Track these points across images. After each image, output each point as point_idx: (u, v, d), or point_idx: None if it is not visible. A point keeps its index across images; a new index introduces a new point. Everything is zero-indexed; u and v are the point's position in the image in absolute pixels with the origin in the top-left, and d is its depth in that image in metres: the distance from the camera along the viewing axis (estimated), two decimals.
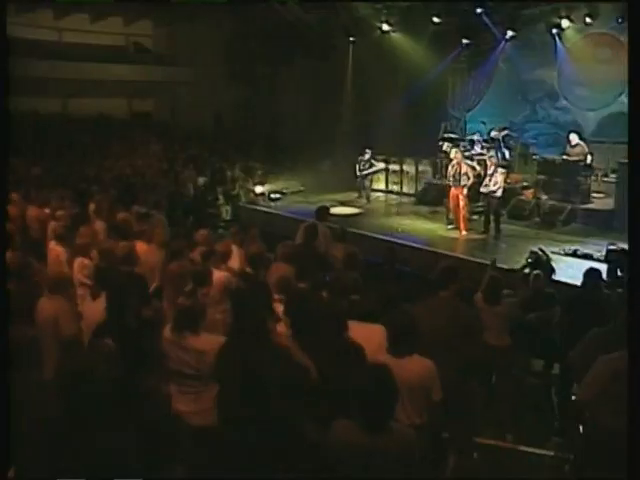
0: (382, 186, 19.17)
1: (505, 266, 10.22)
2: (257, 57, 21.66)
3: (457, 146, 17.17)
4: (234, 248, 8.90)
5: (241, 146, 21.95)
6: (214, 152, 21.38)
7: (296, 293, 5.44)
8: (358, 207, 16.75)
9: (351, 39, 19.51)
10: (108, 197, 13.97)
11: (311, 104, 19.99)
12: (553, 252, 11.61)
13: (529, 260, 9.79)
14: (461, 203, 13.58)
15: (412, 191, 18.47)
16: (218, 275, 6.57)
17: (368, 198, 17.27)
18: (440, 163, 17.66)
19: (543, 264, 9.59)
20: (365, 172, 17.14)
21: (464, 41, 18.94)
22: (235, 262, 8.70)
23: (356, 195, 17.60)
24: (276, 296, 5.50)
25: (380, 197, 18.46)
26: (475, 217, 14.44)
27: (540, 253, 9.78)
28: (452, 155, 16.85)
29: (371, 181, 17.55)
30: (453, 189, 13.73)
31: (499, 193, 13.22)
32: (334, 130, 19.52)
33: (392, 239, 12.87)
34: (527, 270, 9.29)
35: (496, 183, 13.21)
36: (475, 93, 19.79)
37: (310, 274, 6.68)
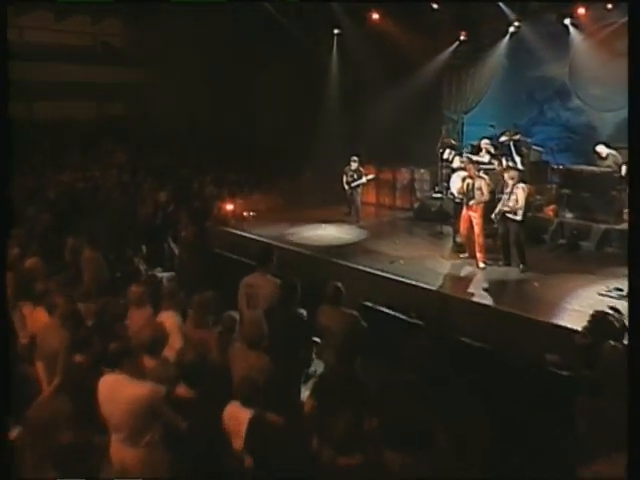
0: (373, 199, 15.85)
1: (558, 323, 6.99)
2: (235, 57, 18.11)
3: (461, 154, 13.87)
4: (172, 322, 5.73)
5: (216, 154, 18.47)
6: (185, 161, 17.88)
7: None
8: (347, 228, 13.33)
9: (336, 31, 16.02)
10: (40, 223, 10.56)
11: (292, 107, 16.43)
12: (600, 294, 8.48)
13: (595, 323, 6.47)
14: (476, 228, 10.24)
15: (407, 205, 15.16)
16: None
17: (358, 215, 13.80)
18: (441, 173, 14.32)
19: (616, 330, 6.27)
20: (354, 183, 13.68)
21: (462, 34, 15.55)
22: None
23: (346, 211, 14.07)
24: None
25: (371, 211, 15.11)
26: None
27: (612, 315, 6.43)
28: (456, 164, 13.66)
29: (361, 194, 13.99)
30: (465, 209, 10.38)
31: (520, 215, 9.85)
32: (318, 135, 16.04)
33: (393, 276, 9.51)
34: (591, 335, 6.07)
35: (517, 202, 9.80)
36: (474, 93, 16.44)
37: None
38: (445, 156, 14.10)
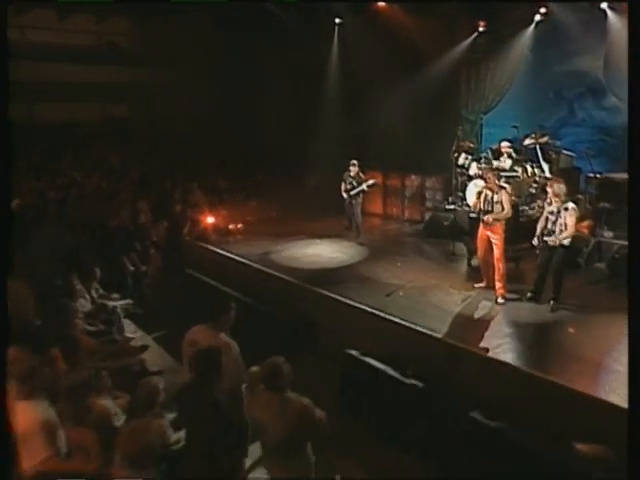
0: (379, 209, 13.57)
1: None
2: (234, 54, 15.96)
3: (479, 159, 11.55)
4: None
5: (212, 157, 16.37)
6: (180, 166, 15.77)
7: None
8: (345, 244, 11.08)
9: (337, 20, 13.70)
10: None
11: (287, 105, 14.14)
12: None
13: None
14: (495, 251, 7.94)
15: (417, 217, 12.86)
16: None
17: (358, 229, 11.53)
18: (455, 181, 11.99)
19: None
20: (353, 191, 11.41)
21: (481, 24, 13.17)
22: None
23: (346, 224, 11.79)
24: None
25: (376, 224, 12.85)
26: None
27: None
28: (473, 171, 11.37)
29: (362, 204, 11.70)
30: (482, 227, 8.07)
31: (568, 241, 7.47)
32: (316, 137, 13.76)
33: (388, 315, 7.25)
34: None
35: (565, 227, 7.38)
36: (494, 90, 14.00)
37: None
38: (460, 161, 11.80)
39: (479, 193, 8.11)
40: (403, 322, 6.99)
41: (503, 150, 11.50)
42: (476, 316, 7.40)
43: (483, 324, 7.12)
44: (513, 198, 8.11)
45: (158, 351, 8.17)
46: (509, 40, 13.18)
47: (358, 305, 7.63)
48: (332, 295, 8.04)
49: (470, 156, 11.70)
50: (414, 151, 13.04)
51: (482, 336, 6.69)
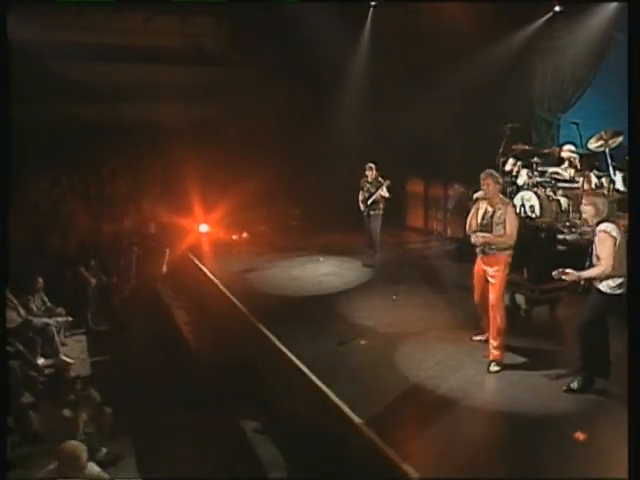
0: (420, 223, 10.97)
1: None
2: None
3: (530, 166, 8.64)
4: None
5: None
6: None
7: None
8: (349, 265, 8.72)
9: (372, 2, 11.15)
10: None
11: (302, 99, 11.80)
12: None
13: None
14: (491, 294, 5.24)
15: (460, 234, 10.05)
16: None
17: (375, 247, 9.06)
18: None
19: None
20: (370, 200, 8.97)
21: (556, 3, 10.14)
22: None
23: (367, 239, 9.35)
24: None
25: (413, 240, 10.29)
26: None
27: None
28: (522, 179, 8.60)
29: (382, 215, 9.18)
30: (479, 258, 5.39)
31: (606, 286, 4.60)
32: (337, 137, 11.34)
33: (322, 385, 4.85)
34: None
35: (596, 261, 4.63)
36: (575, 84, 10.74)
37: None
38: (507, 168, 8.92)
39: (477, 208, 5.42)
40: (324, 388, 4.57)
41: (564, 155, 8.52)
42: (443, 391, 4.73)
43: (450, 408, 4.44)
44: (515, 219, 5.25)
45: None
46: (592, 21, 10.01)
47: (287, 353, 5.29)
48: (270, 335, 5.76)
49: (520, 161, 8.80)
50: (461, 154, 10.30)
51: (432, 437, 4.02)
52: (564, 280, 4.76)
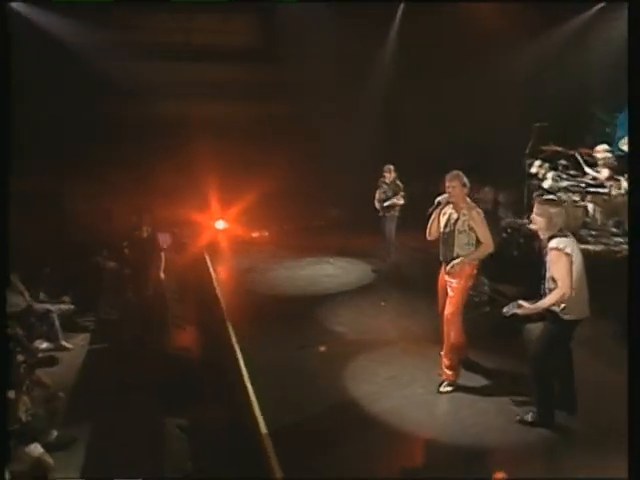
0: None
1: None
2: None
3: (556, 167, 7.97)
4: None
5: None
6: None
7: None
8: (354, 269, 8.46)
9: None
10: None
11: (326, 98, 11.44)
12: None
13: None
14: (448, 307, 4.80)
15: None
16: None
17: (389, 250, 8.70)
18: (527, 196, 8.45)
19: None
20: (387, 203, 8.63)
21: None
22: None
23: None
24: None
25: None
26: None
27: None
28: (548, 183, 7.99)
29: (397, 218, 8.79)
30: (442, 267, 4.96)
31: (568, 313, 4.01)
32: (359, 135, 10.95)
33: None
34: None
35: (551, 284, 4.02)
36: None
37: None
38: (533, 170, 8.25)
39: (440, 213, 4.97)
40: (251, 392, 4.39)
41: (599, 155, 7.74)
42: (377, 409, 4.35)
43: (371, 428, 4.08)
44: (477, 228, 4.69)
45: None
46: None
47: (238, 353, 5.14)
48: (232, 334, 5.65)
49: (547, 163, 8.09)
50: (493, 154, 9.64)
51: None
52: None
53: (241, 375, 4.77)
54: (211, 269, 8.31)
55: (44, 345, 7.27)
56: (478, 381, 4.77)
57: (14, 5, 10.47)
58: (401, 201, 8.63)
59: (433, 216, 4.92)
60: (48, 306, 7.53)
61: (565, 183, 7.73)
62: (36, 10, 10.61)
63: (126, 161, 11.33)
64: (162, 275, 8.31)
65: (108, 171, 11.07)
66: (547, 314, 4.06)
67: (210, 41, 13.38)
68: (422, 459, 3.80)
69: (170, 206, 9.94)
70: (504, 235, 8.16)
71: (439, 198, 4.90)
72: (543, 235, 4.10)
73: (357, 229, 10.14)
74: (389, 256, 8.77)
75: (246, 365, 4.97)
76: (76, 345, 7.54)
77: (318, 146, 11.86)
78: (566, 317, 3.97)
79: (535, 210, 4.17)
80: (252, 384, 4.59)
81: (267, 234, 10.13)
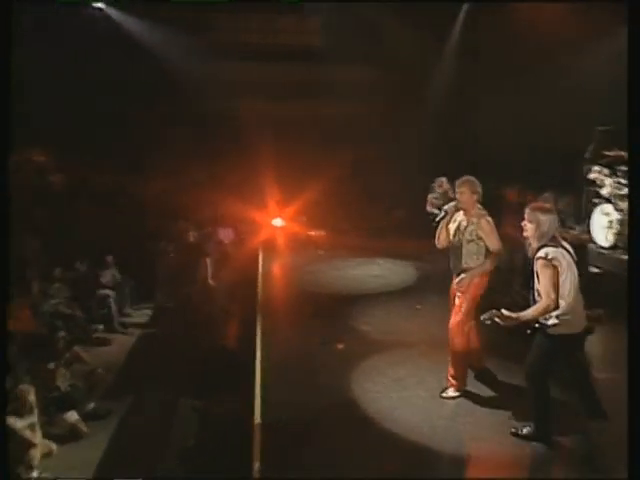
0: (511, 231, 10.06)
1: None
2: None
3: (616, 174, 7.58)
4: None
5: None
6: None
7: None
8: (403, 272, 8.47)
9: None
10: None
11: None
12: None
13: None
14: (453, 316, 4.80)
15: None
16: None
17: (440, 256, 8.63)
18: (586, 203, 8.08)
19: None
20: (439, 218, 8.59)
21: None
22: None
23: None
24: None
25: None
26: None
27: None
28: (607, 190, 7.67)
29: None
30: (454, 276, 4.93)
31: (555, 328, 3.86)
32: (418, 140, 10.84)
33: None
34: None
35: (537, 295, 3.92)
36: None
37: None
38: (592, 176, 7.88)
39: (450, 220, 4.93)
40: (257, 383, 4.62)
41: None
42: (371, 409, 4.38)
43: (360, 427, 4.18)
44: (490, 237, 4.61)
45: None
46: None
47: (258, 347, 5.40)
48: (258, 328, 5.92)
49: (607, 169, 7.68)
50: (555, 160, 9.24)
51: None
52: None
53: (254, 367, 5.04)
54: (260, 264, 8.66)
55: (101, 327, 8.01)
56: (486, 391, 4.72)
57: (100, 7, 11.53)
58: (445, 212, 8.54)
59: (441, 224, 4.88)
60: (107, 291, 8.24)
61: (625, 190, 7.33)
62: (122, 12, 11.55)
63: (198, 158, 12.08)
64: (210, 282, 8.74)
65: (181, 168, 11.86)
66: (540, 334, 3.90)
67: (274, 41, 13.86)
68: (400, 460, 3.85)
69: (232, 203, 10.48)
70: None
71: (446, 207, 4.89)
72: (533, 243, 3.93)
73: (415, 232, 10.09)
74: (438, 261, 8.69)
75: (262, 358, 5.23)
76: (130, 329, 8.22)
77: (384, 147, 11.97)
78: (551, 331, 3.82)
79: (526, 216, 3.99)
80: (262, 376, 4.84)
81: (324, 233, 10.35)
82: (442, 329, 6.04)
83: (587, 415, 4.08)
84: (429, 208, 8.66)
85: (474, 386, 4.75)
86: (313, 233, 10.34)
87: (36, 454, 4.59)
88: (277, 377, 4.88)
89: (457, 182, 4.83)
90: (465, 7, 10.44)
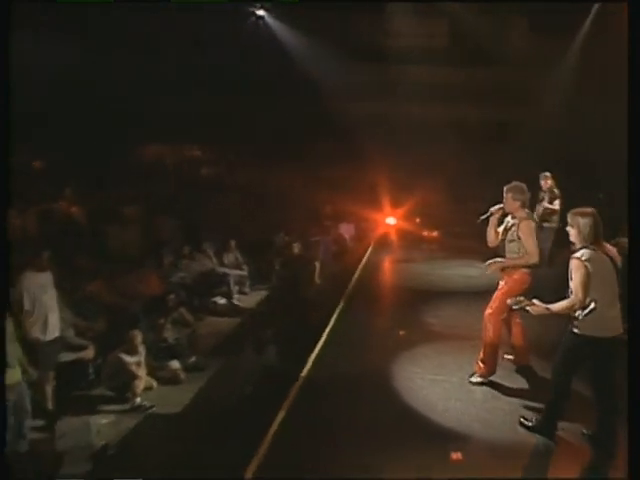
0: None
1: None
2: None
3: None
4: None
5: None
6: None
7: None
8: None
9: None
10: None
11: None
12: None
13: None
14: (490, 305, 5.27)
15: None
16: None
17: (543, 258, 8.61)
18: None
19: None
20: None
21: None
22: None
23: None
24: None
25: None
26: None
27: None
28: None
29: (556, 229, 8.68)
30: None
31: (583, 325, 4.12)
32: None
33: None
34: None
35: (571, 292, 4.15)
36: None
37: None
38: None
39: (497, 221, 5.30)
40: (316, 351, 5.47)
41: None
42: (397, 385, 5.01)
43: (383, 402, 4.84)
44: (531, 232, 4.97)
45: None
46: None
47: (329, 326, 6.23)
48: (336, 310, 6.74)
49: None
50: None
51: None
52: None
53: (319, 338, 5.91)
54: (365, 257, 9.47)
55: (222, 301, 9.32)
56: (518, 384, 5.07)
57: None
58: (555, 207, 8.57)
59: (490, 225, 5.30)
60: (227, 270, 9.55)
61: None
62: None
63: (332, 158, 13.20)
64: (317, 280, 9.59)
65: (307, 166, 13.10)
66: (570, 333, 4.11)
67: (406, 43, 14.35)
68: (409, 429, 4.44)
69: (351, 201, 11.43)
70: None
71: (492, 209, 5.29)
72: (576, 246, 4.15)
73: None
74: (541, 267, 8.72)
75: (330, 330, 6.10)
76: (244, 305, 9.45)
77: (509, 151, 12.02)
78: (576, 331, 4.07)
79: (568, 220, 4.24)
80: (325, 341, 5.73)
81: (436, 234, 10.81)
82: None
83: (598, 430, 4.19)
84: (535, 215, 8.82)
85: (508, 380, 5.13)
86: (426, 233, 10.86)
87: (140, 385, 5.85)
88: (335, 346, 5.70)
89: (505, 187, 5.23)
90: (595, 8, 10.20)
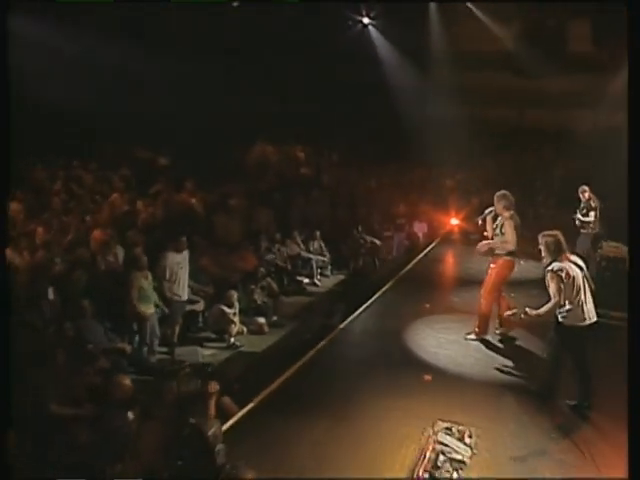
0: None
1: None
2: None
3: None
4: None
5: None
6: None
7: None
8: None
9: None
10: None
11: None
12: None
13: None
14: (484, 286, 7.38)
15: None
16: None
17: None
18: None
19: None
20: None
21: None
22: None
23: None
24: None
25: None
26: None
27: None
28: None
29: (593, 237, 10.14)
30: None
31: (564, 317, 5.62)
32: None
33: None
34: None
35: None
36: None
37: None
38: None
39: (491, 221, 7.25)
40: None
41: None
42: (405, 336, 7.29)
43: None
44: (515, 230, 6.97)
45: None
46: None
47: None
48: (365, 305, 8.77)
49: None
50: None
51: None
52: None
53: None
54: (425, 251, 11.51)
55: (305, 280, 11.68)
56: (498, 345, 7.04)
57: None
58: (590, 218, 10.07)
59: (487, 222, 7.32)
60: (311, 255, 11.91)
61: None
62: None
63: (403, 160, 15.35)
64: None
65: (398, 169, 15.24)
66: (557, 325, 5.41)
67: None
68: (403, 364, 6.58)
69: (423, 202, 13.51)
70: None
71: (487, 210, 7.26)
72: (546, 260, 5.43)
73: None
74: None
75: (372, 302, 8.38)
76: (324, 285, 11.72)
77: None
78: (561, 321, 5.34)
79: (539, 240, 5.55)
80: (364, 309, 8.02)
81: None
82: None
83: (578, 398, 5.47)
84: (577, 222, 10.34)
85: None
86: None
87: (234, 329, 8.04)
88: (368, 313, 7.92)
89: (495, 195, 7.18)
90: None
